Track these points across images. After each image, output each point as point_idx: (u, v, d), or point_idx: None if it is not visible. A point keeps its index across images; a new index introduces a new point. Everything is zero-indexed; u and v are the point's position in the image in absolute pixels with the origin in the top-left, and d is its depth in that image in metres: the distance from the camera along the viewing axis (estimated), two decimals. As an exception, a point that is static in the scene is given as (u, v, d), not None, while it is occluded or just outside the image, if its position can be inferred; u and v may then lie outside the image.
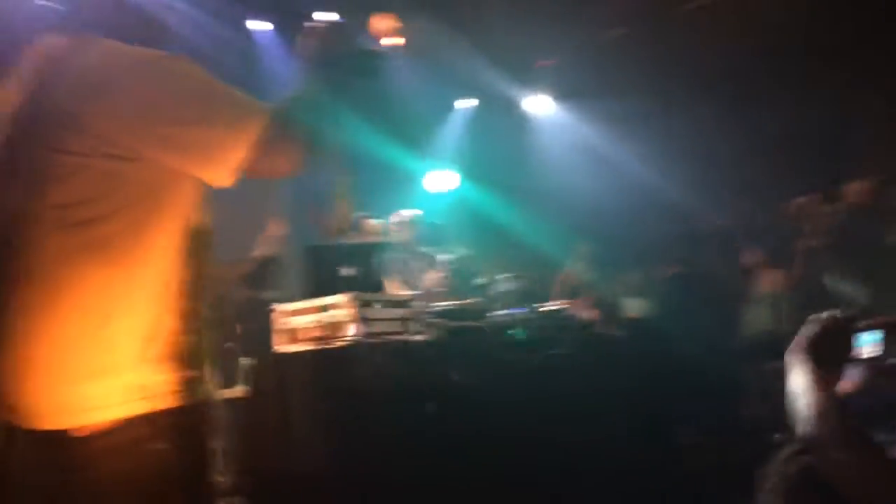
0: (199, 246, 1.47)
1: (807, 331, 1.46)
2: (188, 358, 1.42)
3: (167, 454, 1.36)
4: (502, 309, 3.47)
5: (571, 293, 6.50)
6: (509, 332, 3.30)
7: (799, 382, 1.39)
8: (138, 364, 1.37)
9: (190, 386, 1.41)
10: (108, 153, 1.34)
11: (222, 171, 1.37)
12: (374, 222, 4.62)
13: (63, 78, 1.38)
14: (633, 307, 6.77)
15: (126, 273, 1.37)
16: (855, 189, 4.64)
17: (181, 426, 1.38)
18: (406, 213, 5.01)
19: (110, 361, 1.34)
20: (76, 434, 1.32)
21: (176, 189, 1.42)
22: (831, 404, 1.32)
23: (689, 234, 6.49)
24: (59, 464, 1.33)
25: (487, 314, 3.41)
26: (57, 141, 1.34)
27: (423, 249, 4.91)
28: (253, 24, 6.37)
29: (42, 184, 1.34)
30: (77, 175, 1.34)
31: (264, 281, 5.96)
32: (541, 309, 3.50)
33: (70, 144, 1.34)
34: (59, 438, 1.32)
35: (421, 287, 4.63)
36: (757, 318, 5.87)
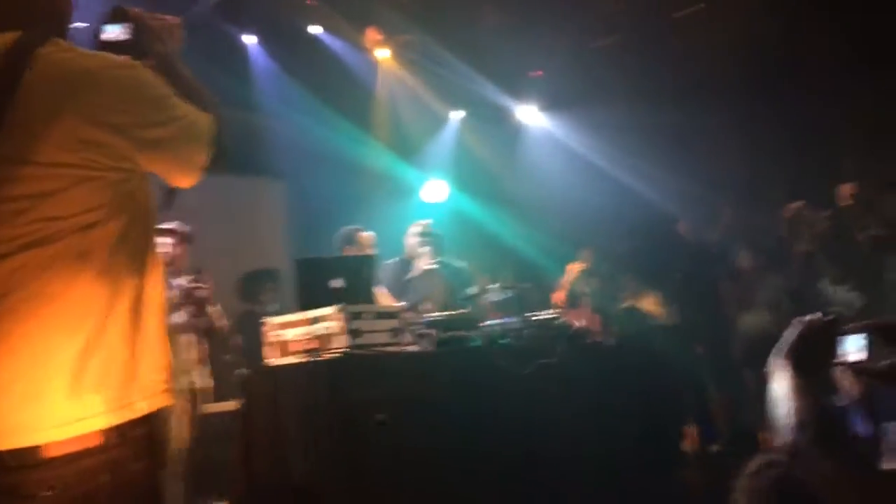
0: (155, 252, 1.46)
1: (788, 335, 1.43)
2: (161, 366, 1.41)
3: (141, 473, 1.34)
4: (494, 319, 3.45)
5: (571, 301, 6.48)
6: (501, 341, 3.28)
7: (780, 388, 1.36)
8: (117, 374, 1.34)
9: (164, 394, 1.40)
10: (112, 166, 1.33)
11: (192, 171, 1.44)
12: (366, 234, 4.61)
13: (35, 86, 1.30)
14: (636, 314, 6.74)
15: (107, 281, 1.34)
16: (844, 192, 4.62)
17: (150, 437, 1.37)
18: (425, 223, 4.93)
19: (90, 373, 1.31)
20: (48, 453, 1.27)
21: (142, 195, 1.41)
22: (813, 412, 1.28)
23: (687, 242, 6.48)
24: (27, 487, 1.26)
25: (479, 324, 3.40)
26: (38, 154, 1.29)
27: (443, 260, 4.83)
28: (247, 39, 6.40)
29: (26, 197, 1.29)
30: (76, 187, 1.30)
31: (261, 294, 5.97)
32: (533, 318, 3.47)
33: (56, 157, 1.29)
34: (31, 458, 1.27)
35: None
36: (756, 323, 5.84)
